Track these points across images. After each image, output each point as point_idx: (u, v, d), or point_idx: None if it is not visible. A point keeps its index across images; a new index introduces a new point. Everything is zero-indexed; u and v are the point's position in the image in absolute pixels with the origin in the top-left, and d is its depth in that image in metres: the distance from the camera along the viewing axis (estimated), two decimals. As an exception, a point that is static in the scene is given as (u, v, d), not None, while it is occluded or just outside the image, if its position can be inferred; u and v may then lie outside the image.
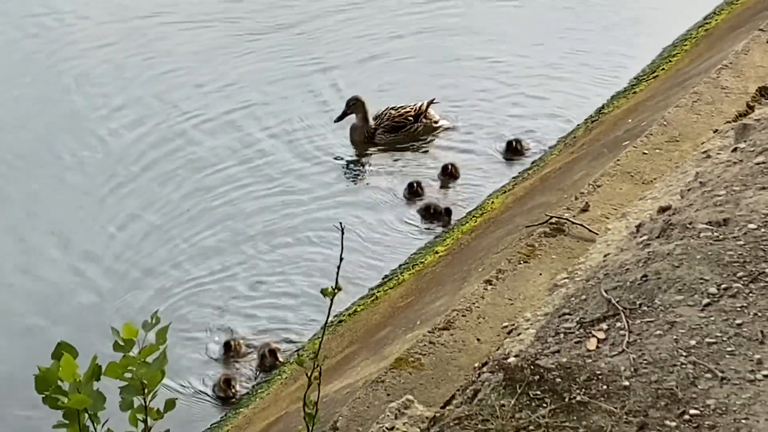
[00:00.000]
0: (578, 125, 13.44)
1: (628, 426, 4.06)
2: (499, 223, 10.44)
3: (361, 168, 13.27)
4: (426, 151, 13.50)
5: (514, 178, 12.66)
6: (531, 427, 4.09)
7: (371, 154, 13.55)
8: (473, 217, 11.65)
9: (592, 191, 9.12)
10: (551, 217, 8.80)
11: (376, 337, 8.72)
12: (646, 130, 9.99)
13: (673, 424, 4.05)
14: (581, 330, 4.79)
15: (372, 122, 13.66)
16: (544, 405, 4.19)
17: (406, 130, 13.63)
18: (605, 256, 6.11)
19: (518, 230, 9.10)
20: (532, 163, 12.89)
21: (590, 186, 9.19)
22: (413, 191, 12.41)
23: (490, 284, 8.09)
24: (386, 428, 5.92)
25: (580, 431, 4.05)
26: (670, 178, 8.39)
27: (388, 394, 7.06)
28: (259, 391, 9.61)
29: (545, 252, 8.42)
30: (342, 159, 13.30)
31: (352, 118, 13.71)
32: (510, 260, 8.36)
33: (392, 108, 13.78)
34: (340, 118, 13.67)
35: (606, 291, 5.07)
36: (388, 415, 5.93)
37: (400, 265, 11.20)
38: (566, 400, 4.21)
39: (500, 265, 8.33)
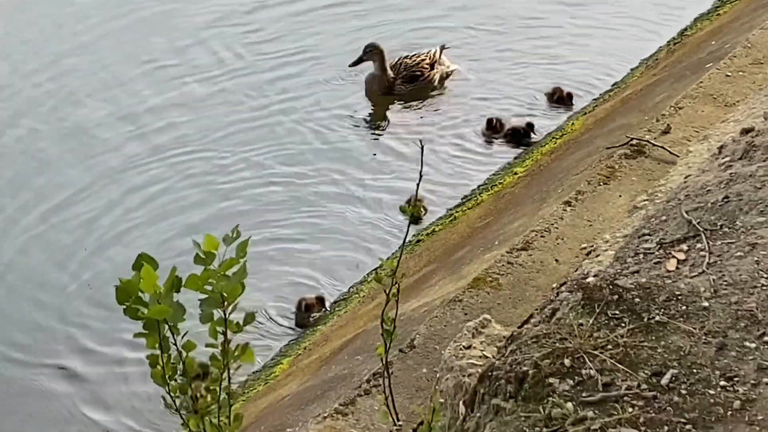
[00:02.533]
0: (660, 47, 13.25)
1: (707, 347, 4.03)
2: (579, 144, 10.36)
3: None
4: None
5: (594, 99, 12.53)
6: (609, 347, 4.07)
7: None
8: (553, 138, 11.57)
9: (673, 113, 9.03)
10: (632, 139, 8.73)
11: (454, 256, 8.73)
12: (729, 52, 9.84)
13: (753, 345, 4.02)
14: (661, 251, 4.74)
15: (390, 72, 13.20)
16: (623, 324, 4.17)
17: (424, 79, 13.18)
18: (686, 177, 6.03)
19: (598, 152, 9.04)
20: (613, 84, 12.75)
21: (672, 108, 9.09)
22: (492, 127, 12.09)
23: (570, 205, 8.06)
24: (463, 347, 5.91)
25: (659, 351, 4.03)
26: (754, 101, 8.27)
27: (466, 314, 7.08)
28: (337, 309, 9.68)
29: (625, 174, 8.36)
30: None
31: (369, 67, 13.30)
32: (590, 182, 8.31)
33: (406, 57, 13.27)
34: (355, 63, 13.21)
35: (687, 212, 5.02)
36: (465, 334, 5.92)
37: (479, 186, 11.17)
38: (645, 320, 4.18)
39: (580, 187, 8.29)
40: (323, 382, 7.26)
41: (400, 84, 13.17)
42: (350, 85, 13.27)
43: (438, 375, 5.73)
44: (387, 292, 4.72)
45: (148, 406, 8.95)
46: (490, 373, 4.36)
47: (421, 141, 4.44)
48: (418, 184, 4.39)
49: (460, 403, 5.31)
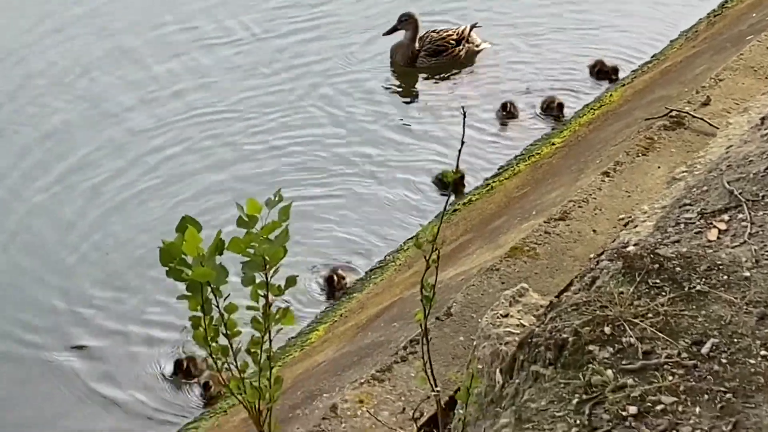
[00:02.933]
0: (700, 19, 13.17)
1: (748, 316, 4.03)
2: (617, 116, 10.33)
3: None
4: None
5: (633, 71, 12.47)
6: (649, 315, 4.08)
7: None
8: (591, 109, 11.54)
9: (713, 85, 8.99)
10: (671, 111, 8.69)
11: (491, 226, 8.73)
12: (770, 24, 9.79)
13: (794, 315, 4.02)
14: (702, 221, 4.74)
15: (416, 44, 13.11)
16: (663, 293, 4.18)
17: (447, 54, 13.08)
18: (727, 148, 6.02)
19: (637, 123, 9.02)
20: (653, 56, 12.68)
21: (712, 80, 9.05)
22: (507, 110, 11.89)
23: (608, 176, 8.05)
24: (500, 315, 5.92)
25: (699, 320, 4.04)
26: (796, 73, 8.24)
27: (503, 282, 7.09)
28: (373, 277, 9.70)
29: (664, 145, 8.33)
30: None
31: (399, 35, 13.20)
32: (628, 153, 8.29)
33: (433, 31, 13.17)
34: (389, 32, 13.14)
35: (728, 183, 5.01)
36: (502, 302, 5.93)
37: (515, 156, 11.15)
38: (686, 289, 4.19)
39: (618, 158, 8.27)
40: (359, 348, 7.28)
41: (423, 57, 13.10)
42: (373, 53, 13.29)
43: (475, 343, 5.75)
44: (427, 258, 4.72)
45: (160, 384, 9.01)
46: (529, 340, 4.38)
47: (463, 107, 4.43)
48: (459, 151, 4.39)
49: (497, 371, 5.32)
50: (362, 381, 6.46)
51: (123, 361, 9.26)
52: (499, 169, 10.99)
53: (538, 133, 11.64)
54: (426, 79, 13.03)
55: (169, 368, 9.06)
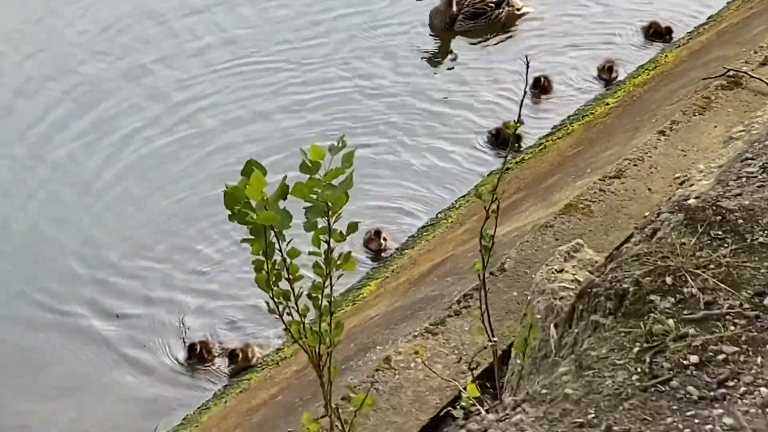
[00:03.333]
0: (758, -18, 13.03)
1: (811, 268, 4.02)
2: (673, 76, 10.27)
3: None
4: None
5: (688, 32, 12.37)
6: (711, 266, 4.07)
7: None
8: (645, 70, 11.47)
9: (772, 45, 8.92)
10: (728, 71, 8.63)
11: (545, 184, 8.73)
12: (830, -16, 9.69)
13: None
14: (764, 174, 4.72)
15: (454, 8, 12.92)
16: (725, 245, 4.16)
17: (487, 17, 12.88)
18: (787, 106, 5.98)
19: (693, 83, 8.96)
20: (709, 18, 12.57)
21: (770, 40, 8.98)
22: (540, 86, 11.67)
23: (664, 135, 8.02)
24: (555, 270, 5.93)
25: (762, 272, 4.03)
26: None
27: (557, 239, 7.09)
28: (425, 234, 9.72)
29: (721, 105, 8.28)
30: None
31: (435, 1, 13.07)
32: (684, 112, 8.25)
33: None
34: None
35: (790, 138, 4.99)
36: (557, 258, 5.93)
37: (569, 116, 11.11)
38: (748, 241, 4.17)
39: (674, 117, 8.23)
40: (412, 303, 7.31)
41: (462, 20, 12.93)
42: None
43: (529, 298, 5.76)
44: (486, 208, 4.73)
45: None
46: (589, 290, 4.38)
47: (527, 57, 4.42)
48: (522, 100, 4.39)
49: (552, 325, 5.33)
50: (415, 334, 6.49)
51: (155, 327, 9.30)
52: (552, 129, 10.96)
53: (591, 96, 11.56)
54: (464, 42, 12.92)
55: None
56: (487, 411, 4.70)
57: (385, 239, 9.63)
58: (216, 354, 8.94)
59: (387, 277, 8.95)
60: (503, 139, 10.81)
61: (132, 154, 11.06)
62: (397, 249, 9.64)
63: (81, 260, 9.91)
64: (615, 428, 3.65)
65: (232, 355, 8.74)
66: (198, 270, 9.72)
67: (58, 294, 9.55)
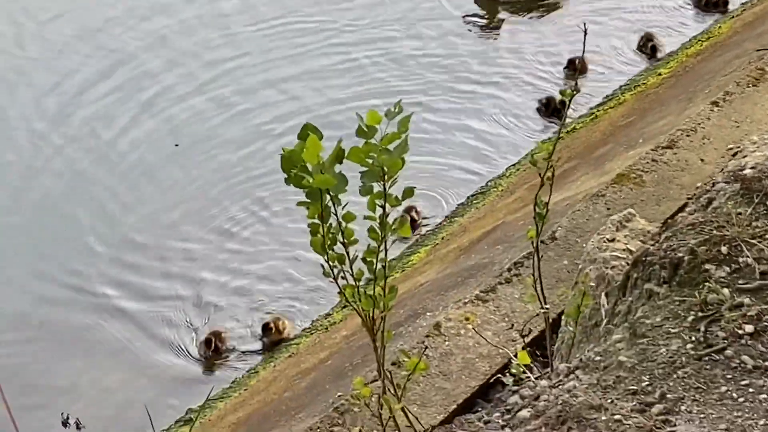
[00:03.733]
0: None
1: None
2: (726, 47, 10.20)
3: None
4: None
5: (743, 3, 12.26)
6: (767, 236, 4.06)
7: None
8: (698, 41, 11.39)
9: (828, 17, 8.84)
10: (784, 42, 8.57)
11: (596, 153, 8.70)
12: None
13: None
14: (821, 145, 4.70)
15: None
16: (782, 215, 4.16)
17: None
18: None
19: (747, 54, 8.90)
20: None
21: (827, 12, 8.90)
22: (574, 68, 11.15)
23: (717, 106, 7.97)
24: (606, 239, 5.92)
25: (819, 243, 4.01)
26: None
27: (608, 208, 7.07)
28: (474, 202, 9.73)
29: (775, 76, 8.23)
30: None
31: None
32: (738, 83, 8.19)
33: None
34: None
35: None
36: (609, 227, 5.93)
37: (620, 86, 11.06)
38: (804, 212, 4.16)
39: (727, 88, 8.18)
40: (462, 270, 7.32)
41: None
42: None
43: (580, 266, 5.76)
44: (541, 175, 4.73)
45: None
46: (643, 259, 4.38)
47: (584, 23, 4.41)
48: (578, 69, 4.37)
49: (603, 294, 5.33)
50: (466, 301, 6.50)
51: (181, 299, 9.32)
52: (603, 99, 10.91)
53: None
54: (509, 13, 12.81)
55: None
56: (537, 378, 4.72)
57: (417, 213, 9.60)
58: (228, 347, 8.90)
59: (437, 244, 8.97)
60: (553, 109, 10.79)
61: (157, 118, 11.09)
62: (447, 217, 9.64)
63: (103, 230, 9.96)
64: (669, 396, 3.66)
65: (265, 328, 8.77)
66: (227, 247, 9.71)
67: (76, 269, 9.58)
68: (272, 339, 8.69)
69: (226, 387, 8.30)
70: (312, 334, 8.58)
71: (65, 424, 4.71)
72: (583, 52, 4.34)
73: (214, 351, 8.76)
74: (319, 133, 4.00)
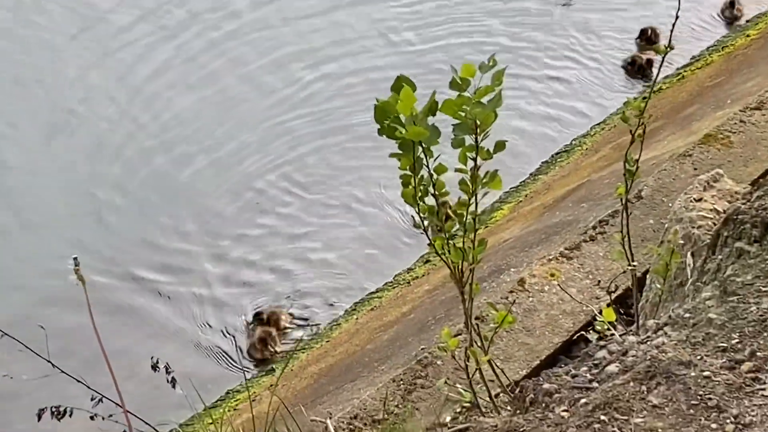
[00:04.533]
0: None
1: None
2: (818, 9, 10.07)
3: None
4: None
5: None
6: None
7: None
8: (789, 3, 11.26)
9: None
10: None
11: (683, 114, 8.64)
12: None
13: None
14: None
15: None
16: None
17: None
18: None
19: (838, 16, 8.77)
20: None
21: None
22: (647, 38, 11.42)
23: (809, 66, 7.88)
24: (693, 199, 5.90)
25: None
26: None
27: (695, 168, 7.04)
28: (559, 160, 9.71)
29: None
30: None
31: None
32: (829, 44, 8.10)
33: None
34: None
35: None
36: (696, 187, 5.89)
37: (708, 47, 10.95)
38: None
39: (820, 48, 8.08)
40: (546, 227, 7.32)
41: None
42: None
43: (666, 226, 5.74)
44: (632, 132, 4.71)
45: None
46: (735, 217, 4.36)
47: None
48: (674, 24, 4.35)
49: (689, 253, 5.31)
50: (550, 257, 6.51)
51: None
52: (690, 59, 10.82)
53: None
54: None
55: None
56: (623, 334, 4.72)
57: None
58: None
59: (520, 201, 8.97)
60: (638, 67, 10.75)
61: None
62: (531, 174, 9.64)
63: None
64: (759, 354, 3.65)
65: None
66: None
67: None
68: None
69: (308, 338, 8.39)
70: (394, 288, 8.63)
71: (154, 368, 4.75)
72: (678, 8, 4.31)
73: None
74: (412, 85, 4.03)
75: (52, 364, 4.77)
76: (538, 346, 5.96)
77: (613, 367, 3.88)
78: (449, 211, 9.05)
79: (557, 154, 9.85)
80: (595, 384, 3.86)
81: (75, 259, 3.92)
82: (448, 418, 4.92)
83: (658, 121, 8.96)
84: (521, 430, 3.76)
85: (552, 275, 6.01)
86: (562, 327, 6.06)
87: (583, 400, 3.73)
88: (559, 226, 7.15)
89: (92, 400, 4.81)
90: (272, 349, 8.52)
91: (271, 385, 7.78)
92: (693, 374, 3.63)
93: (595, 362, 4.03)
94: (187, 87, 11.19)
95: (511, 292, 6.25)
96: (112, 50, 11.64)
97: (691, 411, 3.51)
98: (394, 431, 4.21)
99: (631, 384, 3.67)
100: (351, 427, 5.43)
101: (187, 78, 11.34)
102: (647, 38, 11.44)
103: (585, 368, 4.04)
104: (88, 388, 4.97)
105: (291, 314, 8.81)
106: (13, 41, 11.62)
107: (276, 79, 11.25)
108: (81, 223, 9.65)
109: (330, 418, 5.39)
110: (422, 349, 6.01)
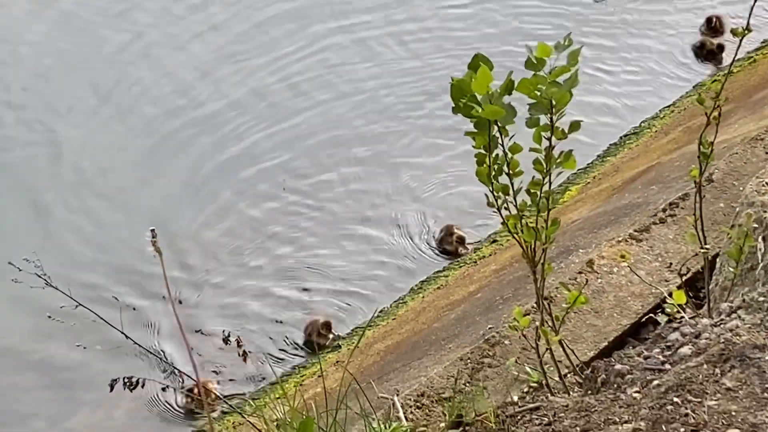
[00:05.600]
0: None
1: None
2: None
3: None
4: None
5: None
6: None
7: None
8: None
9: None
10: None
11: (755, 97, 8.57)
12: None
13: None
14: None
15: None
16: None
17: None
18: None
19: None
20: None
21: None
22: (711, 27, 11.14)
23: None
24: (766, 183, 5.86)
25: None
26: None
27: (767, 153, 6.98)
28: (628, 142, 9.67)
29: None
30: None
31: None
32: None
33: None
34: None
35: None
36: (768, 171, 5.85)
37: (782, 31, 10.86)
38: None
39: None
40: (616, 209, 7.30)
41: None
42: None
43: (737, 210, 5.70)
44: (707, 114, 4.70)
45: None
46: (810, 201, 4.33)
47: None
48: (752, 6, 4.32)
49: (760, 237, 5.28)
50: (619, 239, 6.49)
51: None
52: (761, 43, 10.72)
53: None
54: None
55: None
56: (693, 317, 4.71)
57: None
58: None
59: (588, 183, 8.94)
60: (707, 51, 10.68)
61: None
62: (599, 156, 9.61)
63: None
64: (834, 338, 3.64)
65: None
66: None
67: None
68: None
69: (373, 315, 8.42)
70: (460, 267, 8.64)
71: (226, 341, 4.82)
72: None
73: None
74: (489, 63, 4.03)
75: (126, 336, 4.83)
76: (606, 327, 5.95)
77: (686, 350, 3.88)
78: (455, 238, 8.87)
79: (626, 135, 9.80)
80: (667, 366, 3.87)
81: (152, 230, 3.97)
82: (515, 398, 4.93)
83: (729, 104, 8.88)
84: (593, 410, 3.77)
85: (622, 257, 5.98)
86: (630, 309, 6.04)
87: (655, 382, 3.73)
88: (628, 208, 7.13)
89: (164, 372, 4.89)
90: None
91: (337, 362, 7.84)
92: (767, 358, 3.63)
93: (668, 344, 4.03)
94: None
95: (580, 273, 6.24)
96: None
97: (766, 395, 3.51)
98: (463, 409, 4.23)
99: (705, 366, 3.67)
100: (418, 404, 5.46)
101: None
102: (712, 27, 11.32)
103: (657, 350, 4.05)
104: (161, 360, 5.06)
105: None
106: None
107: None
108: (157, 197, 9.71)
109: (397, 395, 5.41)
110: (490, 328, 6.02)
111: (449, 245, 8.91)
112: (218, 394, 4.93)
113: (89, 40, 11.27)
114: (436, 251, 8.99)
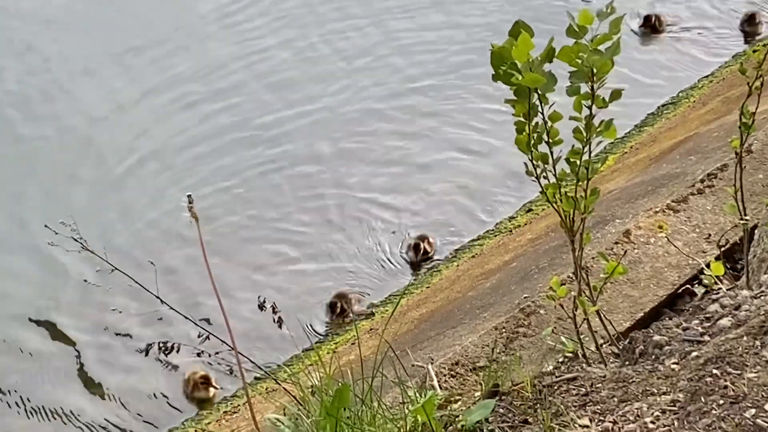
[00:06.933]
0: None
1: None
2: None
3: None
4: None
5: None
6: None
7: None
8: None
9: None
10: None
11: (795, 68, 8.46)
12: None
13: None
14: None
15: None
16: None
17: None
18: None
19: None
20: None
21: None
22: (650, 24, 11.00)
23: None
24: (806, 155, 5.81)
25: None
26: None
27: (808, 124, 6.92)
28: (665, 112, 9.60)
29: None
30: None
31: None
32: None
33: None
34: None
35: None
36: (809, 142, 5.80)
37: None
38: None
39: None
40: (653, 179, 7.24)
41: None
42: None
43: (777, 180, 5.66)
44: (750, 84, 4.65)
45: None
46: None
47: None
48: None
49: (799, 210, 5.23)
50: (657, 210, 6.44)
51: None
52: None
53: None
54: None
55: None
56: (731, 288, 4.67)
57: (430, 244, 9.09)
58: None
59: (625, 152, 8.88)
60: (756, 23, 10.63)
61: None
62: (636, 126, 9.54)
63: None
64: None
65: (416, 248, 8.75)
66: None
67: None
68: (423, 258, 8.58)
69: (407, 284, 8.41)
70: (495, 236, 8.61)
71: (261, 307, 4.80)
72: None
73: (339, 314, 8.46)
74: (530, 31, 3.99)
75: (161, 300, 4.83)
76: (642, 298, 5.91)
77: (725, 321, 3.84)
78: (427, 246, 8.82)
79: (663, 105, 9.73)
80: (706, 337, 3.83)
81: (189, 196, 3.96)
82: (550, 368, 4.91)
83: (756, 80, 8.79)
84: (630, 381, 3.74)
85: (660, 227, 5.94)
86: (667, 280, 6.00)
87: (694, 354, 3.70)
88: (666, 178, 7.07)
89: (199, 337, 4.87)
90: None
91: (371, 329, 7.83)
92: (808, 331, 3.59)
93: (707, 315, 3.99)
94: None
95: (616, 243, 6.19)
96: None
97: (806, 368, 3.47)
98: (499, 378, 4.21)
99: (745, 338, 3.63)
100: (452, 372, 5.44)
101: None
102: (651, 25, 11.11)
103: (696, 321, 4.01)
104: (196, 324, 5.05)
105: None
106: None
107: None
108: (193, 162, 9.76)
109: (431, 363, 5.40)
110: (525, 297, 5.99)
111: None
112: (252, 361, 4.92)
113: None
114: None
